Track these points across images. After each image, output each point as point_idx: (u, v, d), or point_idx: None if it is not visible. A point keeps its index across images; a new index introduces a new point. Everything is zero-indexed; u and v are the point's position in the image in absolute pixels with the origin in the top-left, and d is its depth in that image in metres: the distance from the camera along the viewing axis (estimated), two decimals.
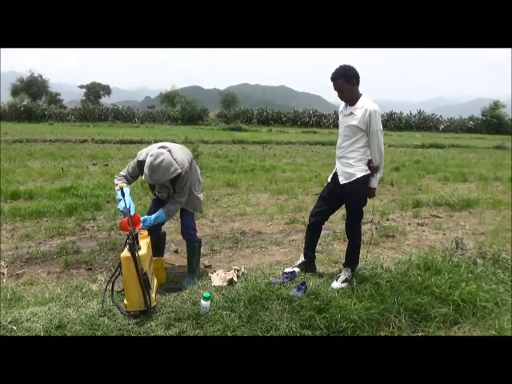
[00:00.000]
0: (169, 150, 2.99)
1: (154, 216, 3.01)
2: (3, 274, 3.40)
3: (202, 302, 2.67)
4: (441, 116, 43.13)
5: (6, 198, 6.06)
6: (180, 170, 2.96)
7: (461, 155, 15.84)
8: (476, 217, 5.92)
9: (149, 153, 2.96)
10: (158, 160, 2.84)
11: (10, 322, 2.40)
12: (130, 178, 3.11)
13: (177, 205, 3.12)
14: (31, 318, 2.47)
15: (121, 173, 3.10)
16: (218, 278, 3.19)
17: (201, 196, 3.35)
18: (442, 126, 40.49)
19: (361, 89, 3.08)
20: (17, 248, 4.06)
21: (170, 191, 3.13)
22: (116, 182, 3.02)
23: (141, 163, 3.00)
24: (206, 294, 2.70)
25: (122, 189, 2.84)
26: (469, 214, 6.13)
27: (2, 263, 3.62)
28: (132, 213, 2.78)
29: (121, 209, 2.77)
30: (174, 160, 2.95)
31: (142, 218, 2.93)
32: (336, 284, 3.16)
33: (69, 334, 2.33)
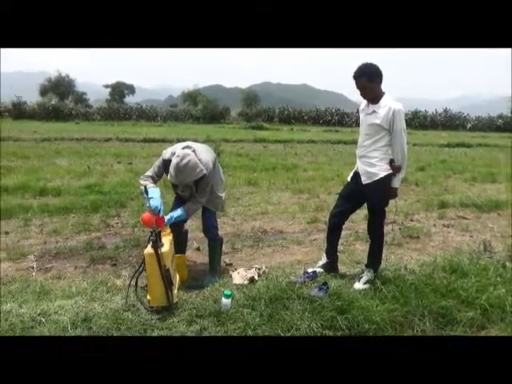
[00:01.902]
0: (194, 151, 3.01)
1: (175, 214, 3.05)
2: (33, 268, 3.53)
3: (223, 299, 2.69)
4: (468, 114, 41.88)
5: (35, 194, 6.28)
6: (205, 171, 2.98)
7: (489, 154, 15.33)
8: (505, 218, 5.72)
9: (174, 152, 2.99)
10: (185, 161, 2.86)
11: (38, 314, 2.48)
12: (157, 178, 3.15)
13: (197, 204, 3.15)
14: (59, 311, 2.55)
15: (147, 173, 3.14)
16: (238, 276, 3.20)
17: (222, 195, 3.36)
18: (469, 125, 39.30)
19: (383, 87, 3.02)
20: (45, 243, 4.20)
21: (192, 190, 3.15)
22: (142, 182, 3.06)
23: (166, 162, 3.04)
24: (227, 292, 2.72)
25: (145, 187, 2.90)
26: (497, 215, 5.92)
27: (32, 257, 3.75)
28: (161, 214, 2.85)
29: (152, 207, 2.82)
30: (199, 160, 2.97)
31: (168, 216, 2.99)
32: (358, 285, 3.13)
33: (94, 328, 2.40)
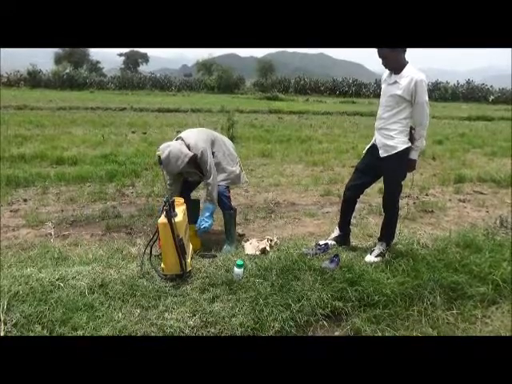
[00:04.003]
0: (182, 139, 3.11)
1: (206, 214, 3.15)
2: (51, 235, 3.63)
3: (236, 269, 2.74)
4: (491, 86, 40.22)
5: (52, 162, 6.38)
6: (191, 154, 3.02)
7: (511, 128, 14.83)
8: None
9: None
10: (166, 153, 2.94)
11: (57, 279, 2.58)
12: (175, 179, 3.24)
13: (211, 187, 3.17)
14: (76, 277, 2.64)
15: (167, 181, 3.22)
16: (250, 247, 3.24)
17: (235, 168, 3.39)
18: (491, 97, 37.79)
19: (407, 57, 2.91)
20: (62, 211, 4.30)
21: (196, 175, 3.25)
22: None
23: None
24: (240, 262, 2.76)
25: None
26: None
27: (50, 224, 3.85)
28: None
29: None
30: (188, 145, 3.06)
31: (197, 225, 3.14)
32: (370, 258, 3.13)
33: (111, 293, 2.48)
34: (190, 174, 3.28)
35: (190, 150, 3.06)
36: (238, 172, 3.40)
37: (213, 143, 3.25)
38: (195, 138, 3.16)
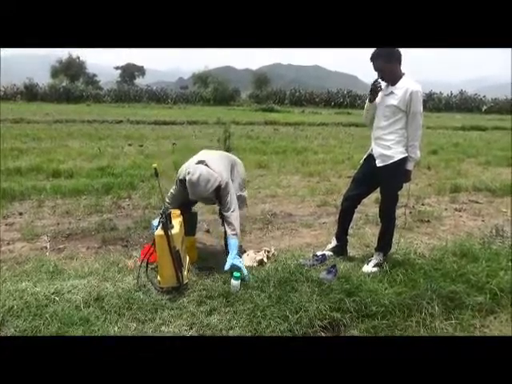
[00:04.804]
0: (206, 164, 3.00)
1: (234, 252, 2.95)
2: (46, 248, 3.60)
3: (233, 281, 2.72)
4: (484, 96, 40.77)
5: (48, 175, 6.36)
6: (220, 179, 2.96)
7: (505, 138, 14.96)
8: None
9: (188, 171, 2.97)
10: (196, 175, 2.87)
11: (52, 293, 2.55)
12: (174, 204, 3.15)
13: (232, 220, 3.04)
14: (72, 290, 2.62)
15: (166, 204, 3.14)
16: (248, 259, 3.23)
17: (244, 193, 3.45)
18: (484, 107, 38.25)
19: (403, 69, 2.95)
20: (58, 224, 4.27)
21: (213, 201, 3.17)
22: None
23: (182, 182, 3.05)
24: (237, 274, 2.74)
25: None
26: (511, 200, 5.83)
27: (45, 238, 3.82)
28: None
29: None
30: (213, 170, 2.97)
31: (229, 265, 2.88)
32: (367, 268, 3.13)
33: (106, 307, 2.46)
34: (206, 200, 3.18)
35: None
36: (245, 197, 3.47)
37: (232, 169, 3.25)
38: (219, 165, 3.09)
